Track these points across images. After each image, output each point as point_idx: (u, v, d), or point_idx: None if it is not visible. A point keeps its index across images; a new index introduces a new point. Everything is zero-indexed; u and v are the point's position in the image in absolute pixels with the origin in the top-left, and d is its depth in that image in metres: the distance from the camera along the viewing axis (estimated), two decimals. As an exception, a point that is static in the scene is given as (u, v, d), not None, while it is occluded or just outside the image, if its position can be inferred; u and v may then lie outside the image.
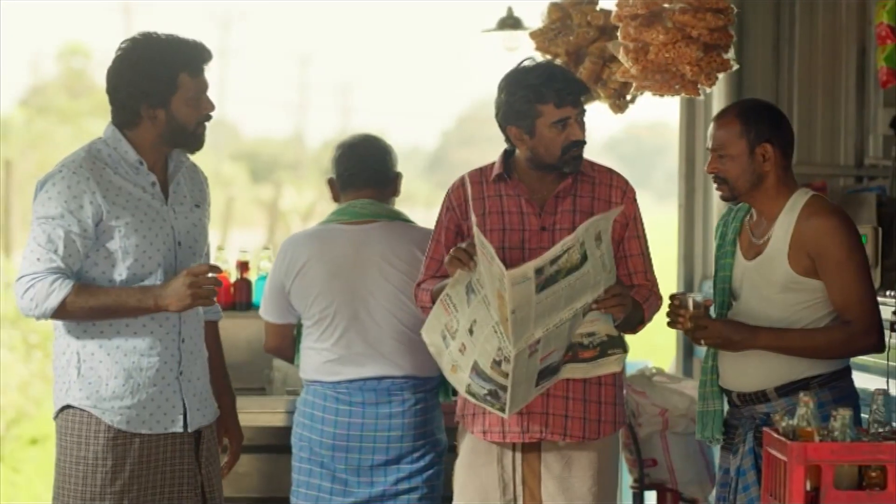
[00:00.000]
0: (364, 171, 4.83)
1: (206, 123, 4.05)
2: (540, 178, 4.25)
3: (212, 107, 4.04)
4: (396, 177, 4.90)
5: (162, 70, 3.95)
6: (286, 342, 4.93)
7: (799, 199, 4.06)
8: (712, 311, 4.18)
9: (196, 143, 4.05)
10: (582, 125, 4.20)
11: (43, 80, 26.63)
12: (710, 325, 4.03)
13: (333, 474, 4.71)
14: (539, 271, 3.84)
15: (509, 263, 4.14)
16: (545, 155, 4.20)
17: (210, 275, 3.91)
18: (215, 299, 4.18)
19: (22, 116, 22.69)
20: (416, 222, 4.90)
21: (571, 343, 4.05)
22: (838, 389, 4.03)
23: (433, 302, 4.21)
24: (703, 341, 4.07)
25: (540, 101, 4.15)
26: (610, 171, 4.33)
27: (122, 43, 4.01)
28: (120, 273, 3.96)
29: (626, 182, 4.31)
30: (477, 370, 3.98)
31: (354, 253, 4.73)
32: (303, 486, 4.76)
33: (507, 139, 4.26)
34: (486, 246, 3.88)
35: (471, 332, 3.98)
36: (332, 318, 4.72)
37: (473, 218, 4.08)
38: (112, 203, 3.94)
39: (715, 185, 4.15)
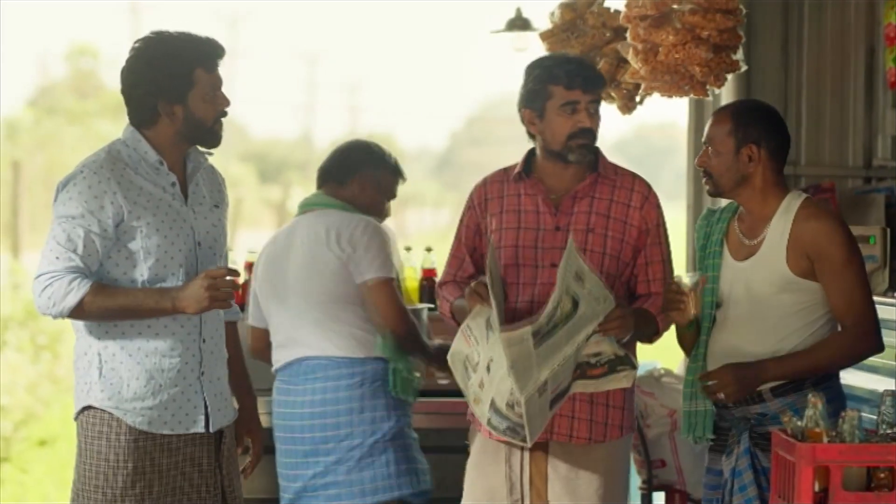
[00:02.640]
0: (324, 165, 4.93)
1: (223, 120, 4.04)
2: (558, 176, 4.25)
3: (227, 102, 4.03)
4: (360, 178, 4.86)
5: (178, 66, 3.94)
6: (265, 344, 4.96)
7: (793, 202, 4.07)
8: (703, 307, 4.16)
9: (214, 139, 4.05)
10: (593, 115, 4.20)
11: (51, 80, 26.61)
12: (715, 376, 4.00)
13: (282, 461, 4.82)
14: (536, 333, 3.85)
15: (522, 262, 4.15)
16: (552, 141, 4.20)
17: (227, 277, 3.90)
18: (233, 301, 4.19)
19: (30, 117, 22.68)
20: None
21: (579, 363, 4.03)
22: (831, 390, 4.04)
23: (453, 317, 4.25)
24: (720, 394, 4.00)
25: (551, 81, 4.17)
26: (633, 175, 4.31)
27: (134, 42, 4.00)
28: (142, 273, 3.95)
29: (649, 187, 4.29)
30: (495, 408, 3.97)
31: (286, 243, 4.83)
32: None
33: (526, 128, 4.27)
34: (486, 315, 3.92)
35: (488, 369, 3.97)
36: (264, 305, 4.87)
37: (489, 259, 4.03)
38: (133, 203, 3.93)
39: (703, 180, 4.16)
